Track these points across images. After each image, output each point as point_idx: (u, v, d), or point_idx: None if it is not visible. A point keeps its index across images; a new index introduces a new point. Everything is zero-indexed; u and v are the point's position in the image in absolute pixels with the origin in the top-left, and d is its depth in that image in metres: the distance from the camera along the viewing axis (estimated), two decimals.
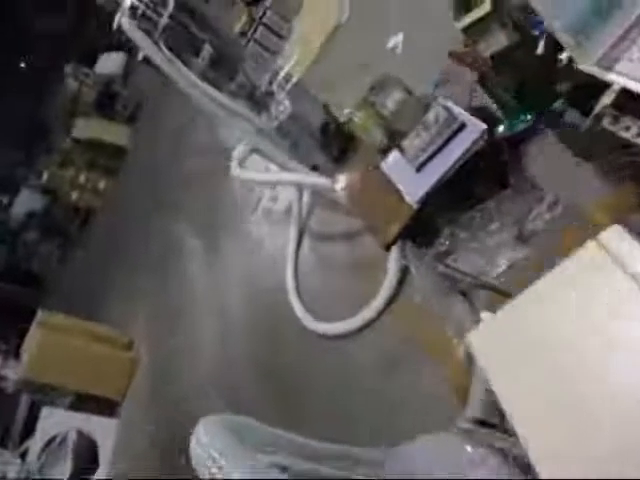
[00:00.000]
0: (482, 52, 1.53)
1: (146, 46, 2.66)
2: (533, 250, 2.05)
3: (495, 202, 2.13)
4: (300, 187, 3.09)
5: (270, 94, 3.37)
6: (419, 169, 1.95)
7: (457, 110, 1.91)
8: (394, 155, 2.08)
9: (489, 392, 1.62)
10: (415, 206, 1.93)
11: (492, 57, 1.50)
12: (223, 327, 3.79)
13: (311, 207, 3.52)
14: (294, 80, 3.35)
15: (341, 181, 2.44)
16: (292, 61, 3.31)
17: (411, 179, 1.96)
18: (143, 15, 2.84)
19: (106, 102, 10.65)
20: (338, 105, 3.37)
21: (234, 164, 3.39)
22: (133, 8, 2.83)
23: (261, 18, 5.37)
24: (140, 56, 2.99)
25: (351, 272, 2.94)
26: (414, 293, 2.43)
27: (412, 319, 2.45)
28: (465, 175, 1.96)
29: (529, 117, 1.72)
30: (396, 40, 3.55)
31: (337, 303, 2.89)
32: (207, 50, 2.93)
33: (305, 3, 5.14)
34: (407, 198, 1.93)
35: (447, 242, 2.18)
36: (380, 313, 2.54)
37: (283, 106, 3.26)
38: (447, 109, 1.94)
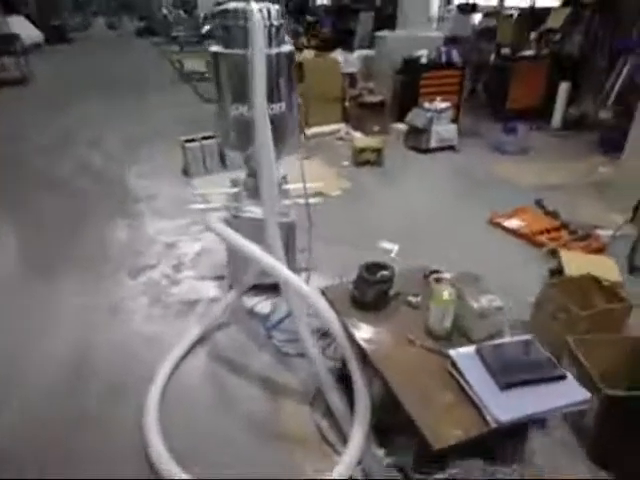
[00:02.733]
0: None
1: None
2: None
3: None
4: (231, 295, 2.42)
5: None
6: (504, 389, 1.61)
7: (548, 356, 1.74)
8: (469, 352, 1.73)
9: None
10: (493, 427, 1.52)
11: None
12: None
13: (226, 324, 2.78)
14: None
15: (365, 332, 1.94)
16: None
17: (492, 392, 1.60)
18: None
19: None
20: None
21: (214, 219, 2.61)
22: None
23: None
24: None
25: (253, 431, 2.14)
26: None
27: None
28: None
29: None
30: (392, 246, 3.58)
31: (221, 456, 2.00)
32: None
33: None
34: (488, 417, 1.52)
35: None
36: None
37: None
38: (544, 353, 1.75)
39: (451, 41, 7.02)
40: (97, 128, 6.62)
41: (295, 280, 2.16)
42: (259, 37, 2.34)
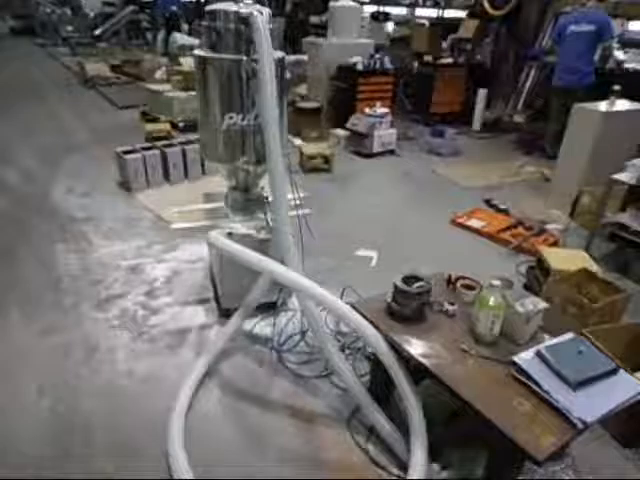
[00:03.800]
0: None
1: None
2: None
3: None
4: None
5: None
6: (576, 388, 1.65)
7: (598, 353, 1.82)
8: (531, 356, 1.75)
9: None
10: (581, 428, 1.54)
11: None
12: None
13: (228, 351, 2.56)
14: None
15: (417, 346, 1.87)
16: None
17: (567, 394, 1.62)
18: None
19: None
20: None
21: (214, 233, 2.38)
22: None
23: None
24: None
25: (294, 467, 1.98)
26: None
27: None
28: None
29: None
30: (369, 254, 3.56)
31: None
32: None
33: None
34: (574, 420, 1.53)
35: None
36: None
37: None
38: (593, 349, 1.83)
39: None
40: None
41: (327, 295, 2.05)
42: (266, 41, 2.19)
